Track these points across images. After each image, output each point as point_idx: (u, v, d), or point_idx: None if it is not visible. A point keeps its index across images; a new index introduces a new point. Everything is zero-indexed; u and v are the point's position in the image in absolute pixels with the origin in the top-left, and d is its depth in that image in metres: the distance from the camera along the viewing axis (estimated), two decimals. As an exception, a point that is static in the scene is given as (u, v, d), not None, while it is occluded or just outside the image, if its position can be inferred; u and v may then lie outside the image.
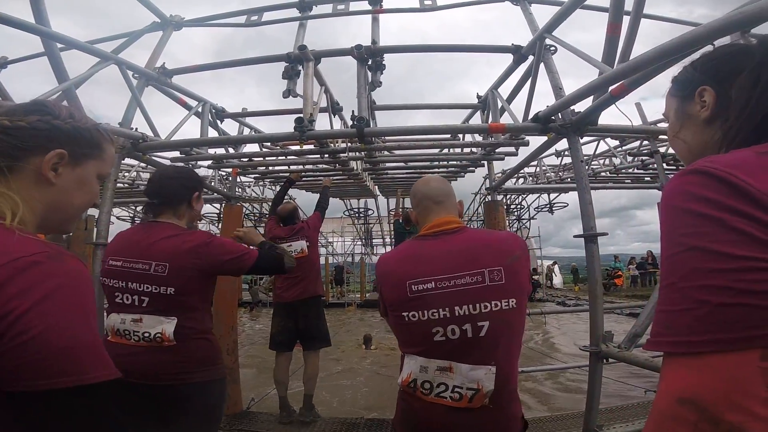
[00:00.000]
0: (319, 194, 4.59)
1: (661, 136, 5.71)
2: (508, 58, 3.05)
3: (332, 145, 3.37)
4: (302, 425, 3.87)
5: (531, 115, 2.68)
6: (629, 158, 7.42)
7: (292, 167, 5.37)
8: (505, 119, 3.28)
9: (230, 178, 5.41)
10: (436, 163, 5.02)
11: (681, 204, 0.52)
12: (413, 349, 1.41)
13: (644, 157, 7.01)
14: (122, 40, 3.33)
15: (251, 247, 2.01)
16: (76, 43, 2.72)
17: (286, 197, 4.69)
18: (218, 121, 4.14)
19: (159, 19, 3.46)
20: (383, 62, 2.81)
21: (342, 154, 3.38)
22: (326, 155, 3.32)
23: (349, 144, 3.31)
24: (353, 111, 2.75)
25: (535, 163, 9.36)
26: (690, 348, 0.47)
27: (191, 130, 3.66)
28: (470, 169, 4.88)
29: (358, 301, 16.04)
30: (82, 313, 0.68)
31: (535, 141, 3.16)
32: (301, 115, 2.65)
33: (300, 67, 2.90)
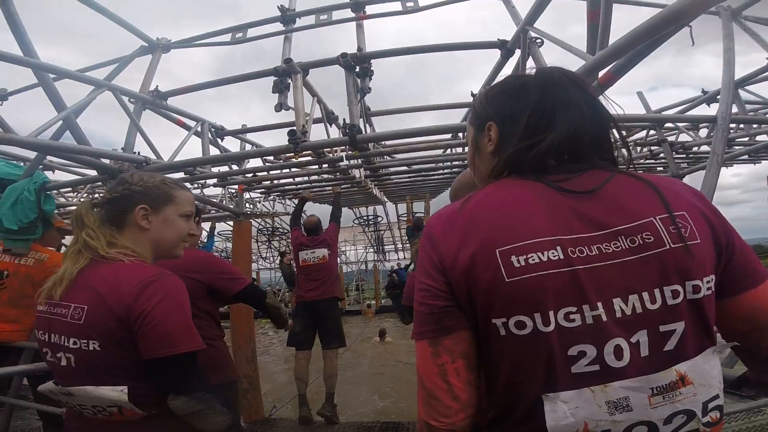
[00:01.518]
0: (331, 205, 4.84)
1: (667, 125, 5.62)
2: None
3: (330, 154, 3.39)
4: (321, 431, 3.89)
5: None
6: (638, 149, 7.27)
7: (296, 179, 5.46)
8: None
9: (237, 195, 5.49)
10: (440, 165, 5.00)
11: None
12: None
13: (653, 147, 6.87)
14: (114, 66, 3.40)
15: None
16: (67, 73, 2.77)
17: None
18: (218, 140, 4.22)
19: (146, 43, 3.52)
20: (371, 68, 2.83)
21: (341, 163, 3.40)
22: (325, 165, 3.33)
23: (346, 152, 3.33)
24: (344, 120, 2.76)
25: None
26: (413, 336, 0.73)
27: (194, 150, 3.74)
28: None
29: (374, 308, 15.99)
30: (180, 309, 1.11)
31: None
32: (294, 128, 2.68)
33: (289, 80, 2.93)
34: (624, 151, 0.83)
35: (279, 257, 16.42)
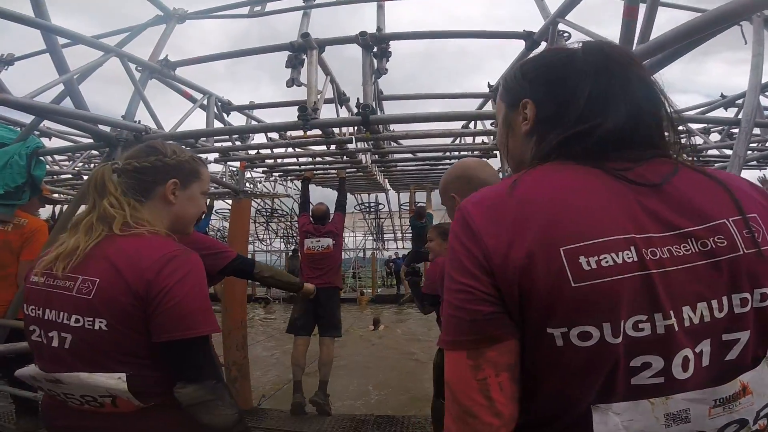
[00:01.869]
0: (334, 190, 4.86)
1: (690, 125, 5.55)
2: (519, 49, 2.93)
3: (339, 135, 3.28)
4: (312, 422, 3.84)
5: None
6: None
7: (300, 160, 5.35)
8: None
9: (238, 172, 5.38)
10: (447, 154, 4.90)
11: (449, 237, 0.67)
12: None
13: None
14: (125, 34, 3.29)
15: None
16: (75, 36, 2.68)
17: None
18: (224, 114, 4.10)
19: (162, 12, 3.41)
20: (389, 49, 2.72)
21: (349, 145, 3.30)
22: (333, 146, 3.23)
23: (355, 133, 3.22)
24: (358, 98, 2.66)
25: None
26: (443, 345, 0.63)
27: (197, 124, 3.62)
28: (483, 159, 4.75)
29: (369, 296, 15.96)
30: (201, 288, 1.04)
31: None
32: (305, 104, 2.57)
33: (304, 56, 2.82)
34: (673, 139, 0.71)
35: (291, 252, 16.39)
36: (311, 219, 4.58)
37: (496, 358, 0.58)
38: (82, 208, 1.17)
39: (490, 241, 0.60)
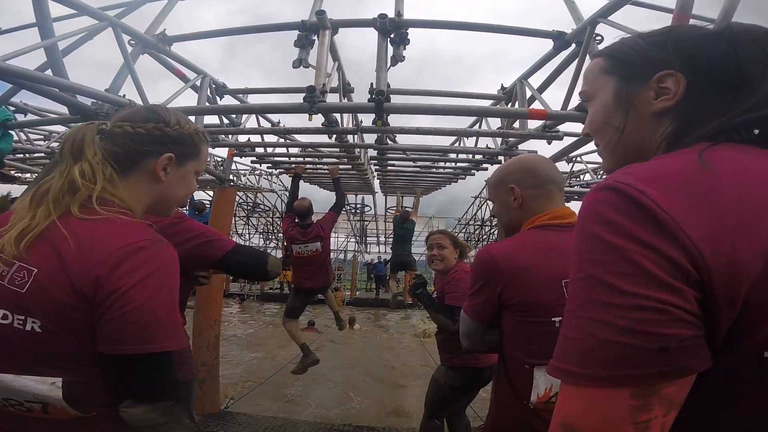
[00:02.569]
0: (334, 191, 4.74)
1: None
2: (520, 59, 2.82)
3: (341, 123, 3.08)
4: (285, 429, 3.67)
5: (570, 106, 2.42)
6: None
7: (292, 151, 5.11)
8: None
9: (225, 160, 5.11)
10: (451, 156, 4.76)
11: (588, 226, 0.49)
12: (544, 360, 1.10)
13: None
14: (122, 9, 3.02)
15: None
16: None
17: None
18: (218, 98, 3.84)
19: (164, -14, 3.15)
20: (408, 36, 2.53)
21: (349, 137, 3.09)
22: (333, 137, 3.02)
23: (360, 126, 3.02)
24: (372, 83, 2.45)
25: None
26: (574, 379, 0.46)
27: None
28: (483, 166, 4.61)
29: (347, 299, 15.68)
30: (169, 291, 0.83)
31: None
32: (313, 84, 2.36)
33: (314, 37, 2.62)
34: None
35: (284, 257, 15.93)
36: (295, 219, 4.44)
37: (673, 395, 0.44)
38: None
39: (697, 235, 0.42)
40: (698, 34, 0.62)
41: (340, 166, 5.10)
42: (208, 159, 7.12)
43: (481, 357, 2.42)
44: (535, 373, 1.17)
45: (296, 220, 4.40)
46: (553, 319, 1.15)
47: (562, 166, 9.12)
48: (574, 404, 0.47)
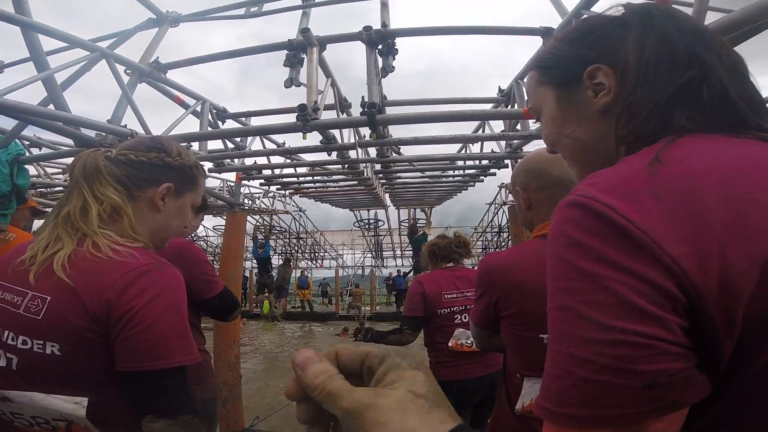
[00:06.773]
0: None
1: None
2: (526, 61, 2.75)
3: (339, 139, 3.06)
4: None
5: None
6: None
7: (299, 170, 5.13)
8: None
9: (234, 185, 5.16)
10: (457, 163, 4.71)
11: (558, 249, 0.43)
12: (533, 372, 1.17)
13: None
14: (115, 39, 3.11)
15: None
16: (56, 33, 2.46)
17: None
18: (219, 123, 3.89)
19: (155, 15, 3.23)
20: (395, 46, 2.51)
21: (351, 152, 3.08)
22: (334, 153, 3.01)
23: (357, 141, 3.00)
24: (363, 96, 2.44)
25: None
26: (552, 418, 0.40)
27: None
28: (491, 171, 4.54)
29: (368, 314, 15.54)
30: (177, 310, 0.88)
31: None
32: (304, 103, 2.35)
33: (303, 55, 2.62)
34: None
35: (283, 262, 16.16)
36: None
37: (663, 430, 0.38)
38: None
39: (679, 252, 0.36)
40: (606, 20, 0.59)
41: (347, 183, 5.10)
42: (220, 185, 7.27)
43: (451, 370, 2.32)
44: (524, 383, 1.19)
45: None
46: (540, 335, 1.12)
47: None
48: None
